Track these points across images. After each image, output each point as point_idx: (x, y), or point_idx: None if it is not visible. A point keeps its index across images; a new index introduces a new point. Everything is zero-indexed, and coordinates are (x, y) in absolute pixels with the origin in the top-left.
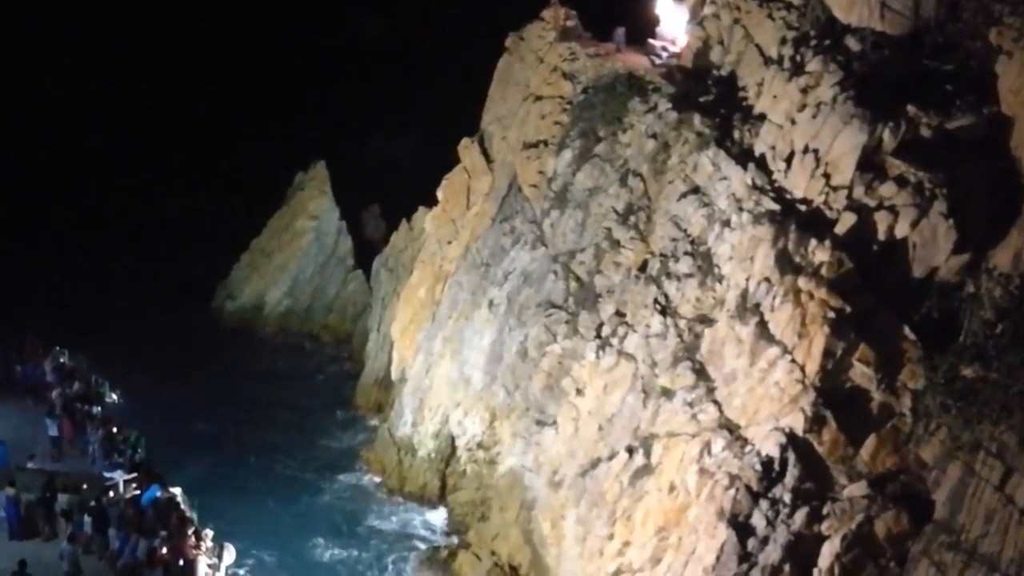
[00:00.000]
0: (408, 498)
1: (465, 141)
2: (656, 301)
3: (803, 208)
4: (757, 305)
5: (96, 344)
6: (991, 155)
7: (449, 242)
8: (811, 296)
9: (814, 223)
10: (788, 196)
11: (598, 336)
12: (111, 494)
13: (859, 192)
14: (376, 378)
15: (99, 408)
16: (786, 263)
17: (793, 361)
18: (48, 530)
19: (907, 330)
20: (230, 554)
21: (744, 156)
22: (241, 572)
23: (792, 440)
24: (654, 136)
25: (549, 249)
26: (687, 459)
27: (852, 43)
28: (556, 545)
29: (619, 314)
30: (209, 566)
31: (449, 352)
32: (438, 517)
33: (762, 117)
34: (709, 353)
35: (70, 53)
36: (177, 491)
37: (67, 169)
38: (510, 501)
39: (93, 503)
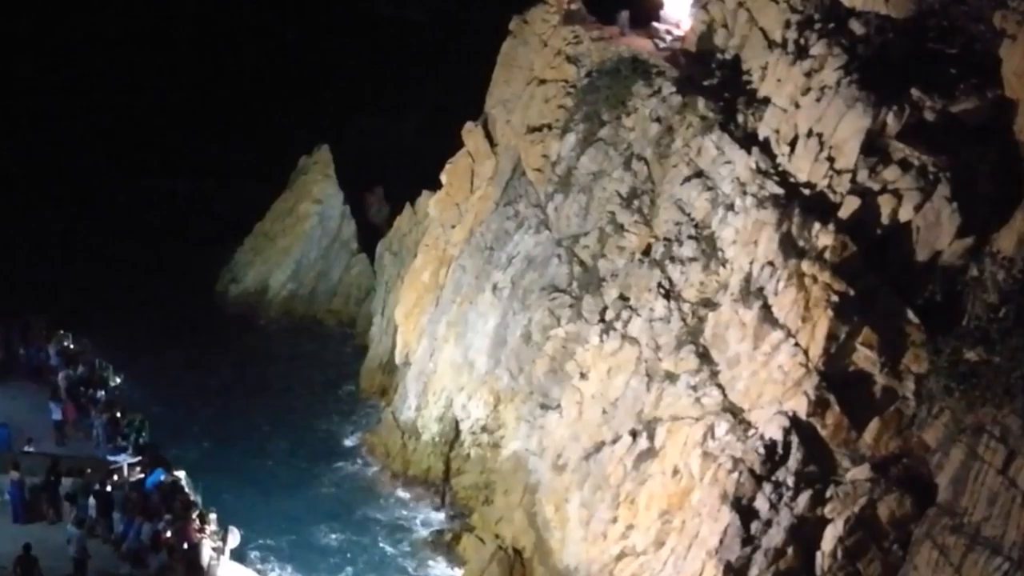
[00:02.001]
0: (412, 482)
1: (469, 125)
2: (660, 285)
3: (807, 192)
4: (761, 289)
5: (100, 327)
6: (995, 139)
7: (453, 226)
8: (815, 280)
9: (818, 207)
10: (792, 180)
11: (602, 320)
12: (115, 478)
13: (863, 176)
14: (380, 362)
15: (103, 392)
16: (790, 247)
17: (796, 345)
18: (52, 514)
19: (910, 314)
20: (234, 537)
21: (748, 140)
22: (246, 556)
23: (795, 423)
24: (658, 120)
25: (553, 233)
26: (690, 443)
27: (856, 26)
28: (560, 528)
29: (623, 298)
30: (213, 549)
31: (453, 336)
32: (442, 501)
33: (766, 101)
34: (713, 337)
35: (71, 32)
36: (181, 475)
37: (71, 151)
38: (514, 484)
39: (97, 487)
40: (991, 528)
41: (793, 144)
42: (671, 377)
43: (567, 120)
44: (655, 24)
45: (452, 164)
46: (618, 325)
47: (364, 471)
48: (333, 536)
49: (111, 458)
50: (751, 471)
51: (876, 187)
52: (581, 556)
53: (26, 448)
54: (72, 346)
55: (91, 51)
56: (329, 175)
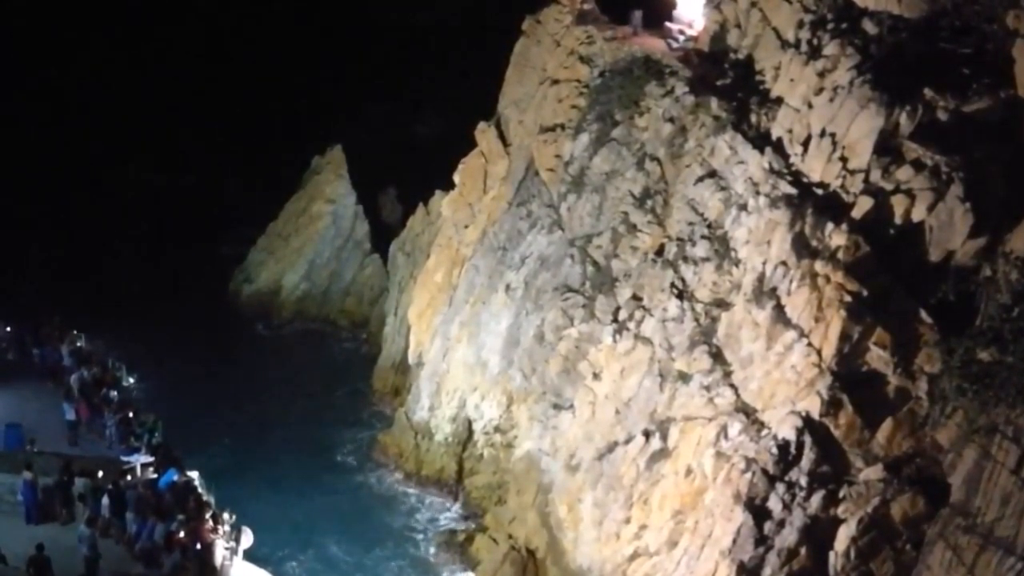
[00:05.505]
0: (425, 482)
1: (482, 125)
2: (673, 285)
3: (820, 192)
4: (774, 289)
5: (113, 327)
6: (1008, 138)
7: (466, 226)
8: (828, 280)
9: (831, 207)
10: (805, 180)
11: (615, 320)
12: (128, 477)
13: (876, 176)
14: (393, 362)
15: (116, 392)
16: (803, 247)
17: (810, 345)
18: (66, 514)
19: (923, 314)
20: (248, 538)
21: (761, 140)
22: (258, 557)
23: (808, 423)
24: (671, 120)
25: (566, 233)
26: (704, 443)
27: (869, 26)
28: (573, 528)
29: (636, 298)
30: (227, 549)
31: (466, 336)
32: (455, 501)
33: (779, 101)
34: (726, 337)
35: (83, 29)
36: (194, 474)
37: (82, 150)
38: (527, 485)
39: (111, 486)
40: (1004, 528)
41: (806, 144)
42: (684, 377)
43: (580, 120)
44: (668, 24)
45: (465, 164)
46: (631, 325)
47: (377, 471)
48: (345, 536)
49: (124, 458)
50: (764, 471)
51: (889, 187)
52: (594, 556)
53: (27, 448)
54: (85, 346)
55: (102, 47)
56: (342, 175)
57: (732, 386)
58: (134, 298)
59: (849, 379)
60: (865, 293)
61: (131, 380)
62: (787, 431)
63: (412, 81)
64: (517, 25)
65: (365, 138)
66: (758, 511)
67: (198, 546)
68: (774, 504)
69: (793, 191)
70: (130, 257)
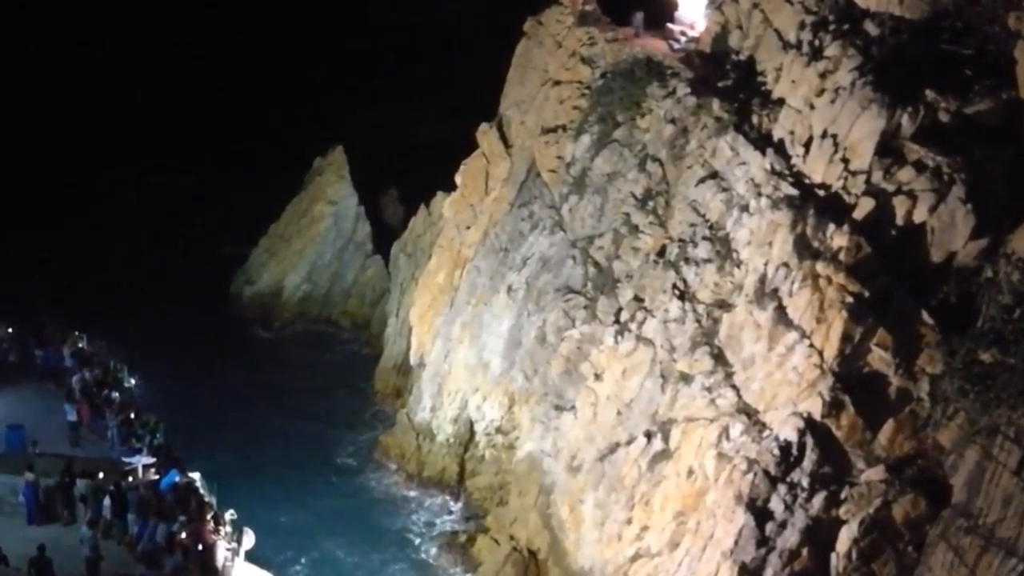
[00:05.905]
0: (426, 483)
1: (483, 126)
2: (674, 286)
3: (821, 193)
4: (775, 290)
5: (115, 329)
6: (1009, 140)
7: (467, 227)
8: (829, 281)
9: (832, 208)
10: (806, 181)
11: (616, 321)
12: (130, 479)
13: (877, 177)
14: (395, 363)
15: (118, 393)
16: (804, 248)
17: (811, 346)
18: (67, 515)
19: (925, 315)
20: (249, 539)
21: (762, 141)
22: (260, 558)
23: (810, 425)
24: (673, 121)
25: (567, 234)
26: (705, 444)
27: (871, 28)
28: (575, 530)
29: (637, 299)
30: (228, 550)
31: (468, 337)
32: (456, 502)
33: (781, 102)
34: (727, 338)
35: (84, 29)
36: (196, 476)
37: (84, 151)
38: (528, 486)
39: (112, 488)
40: (1006, 529)
41: (808, 145)
42: (686, 378)
43: (582, 121)
44: (669, 25)
45: (467, 165)
46: (633, 326)
47: (378, 473)
48: (347, 537)
49: (126, 459)
50: (766, 472)
51: (891, 188)
52: (596, 557)
53: (29, 449)
54: (87, 347)
55: (103, 48)
56: (344, 176)
57: (734, 387)
58: (135, 299)
59: (851, 380)
60: (867, 294)
61: (132, 381)
62: (789, 432)
63: (413, 82)
64: (518, 26)
65: (366, 139)
66: (760, 512)
67: (200, 547)
68: (776, 505)
69: (795, 192)
70: (131, 258)
